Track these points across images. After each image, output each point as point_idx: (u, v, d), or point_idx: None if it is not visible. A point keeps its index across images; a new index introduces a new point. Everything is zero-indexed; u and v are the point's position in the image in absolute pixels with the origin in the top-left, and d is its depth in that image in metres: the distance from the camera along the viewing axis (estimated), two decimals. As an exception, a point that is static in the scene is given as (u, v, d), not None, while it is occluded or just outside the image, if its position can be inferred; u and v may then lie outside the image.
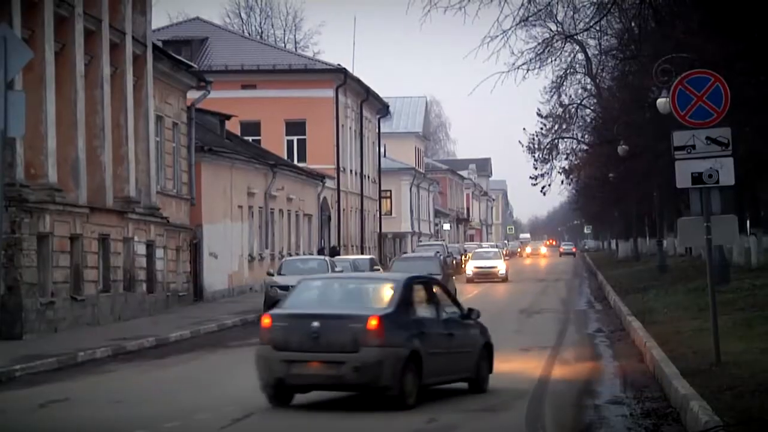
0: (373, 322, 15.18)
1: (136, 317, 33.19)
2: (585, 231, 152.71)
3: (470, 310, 17.69)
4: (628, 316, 28.98)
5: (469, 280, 58.14)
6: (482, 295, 46.17)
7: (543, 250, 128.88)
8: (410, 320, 15.91)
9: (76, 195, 29.91)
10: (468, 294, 45.34)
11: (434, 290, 17.26)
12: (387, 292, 16.10)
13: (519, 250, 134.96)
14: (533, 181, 60.24)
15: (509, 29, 21.75)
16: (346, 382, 15.31)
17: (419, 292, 16.67)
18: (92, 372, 21.37)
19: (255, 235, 48.70)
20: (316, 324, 15.27)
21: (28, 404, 16.91)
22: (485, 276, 58.54)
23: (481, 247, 78.53)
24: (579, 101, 62.17)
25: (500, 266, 60.33)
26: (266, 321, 15.89)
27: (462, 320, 17.39)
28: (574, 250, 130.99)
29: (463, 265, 67.65)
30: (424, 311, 16.54)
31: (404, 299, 16.00)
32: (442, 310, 17.02)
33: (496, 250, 70.15)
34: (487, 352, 17.78)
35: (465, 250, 79.13)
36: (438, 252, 54.93)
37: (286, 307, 16.20)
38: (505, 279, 58.81)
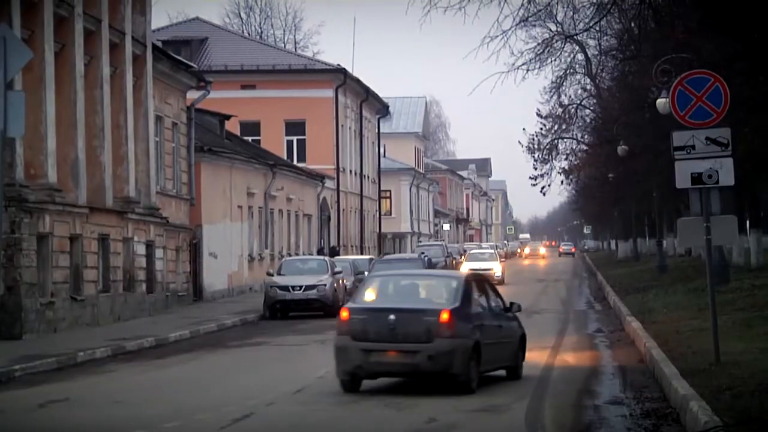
0: (445, 316, 16.66)
1: (135, 317, 33.20)
2: (585, 231, 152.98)
3: (512, 303, 19.07)
4: (627, 316, 28.99)
5: None
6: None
7: (542, 250, 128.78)
8: (472, 313, 17.34)
9: (75, 195, 29.91)
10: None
11: (485, 286, 18.82)
12: (451, 288, 17.47)
13: (519, 250, 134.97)
14: (533, 182, 60.25)
15: (509, 29, 21.69)
16: (421, 369, 16.66)
17: (475, 288, 18.01)
18: (92, 372, 21.37)
19: (255, 235, 48.70)
20: (392, 317, 16.67)
21: (28, 404, 16.91)
22: None
23: (480, 248, 78.02)
24: (579, 101, 62.08)
25: (496, 268, 58.80)
26: (344, 314, 17.20)
27: (505, 313, 18.78)
28: (573, 250, 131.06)
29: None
30: (479, 305, 17.93)
31: (466, 294, 17.40)
32: (491, 304, 18.37)
33: (492, 251, 68.23)
34: (522, 343, 19.18)
35: (465, 251, 78.65)
36: (423, 253, 53.66)
37: (359, 301, 17.60)
38: (501, 282, 57.31)
